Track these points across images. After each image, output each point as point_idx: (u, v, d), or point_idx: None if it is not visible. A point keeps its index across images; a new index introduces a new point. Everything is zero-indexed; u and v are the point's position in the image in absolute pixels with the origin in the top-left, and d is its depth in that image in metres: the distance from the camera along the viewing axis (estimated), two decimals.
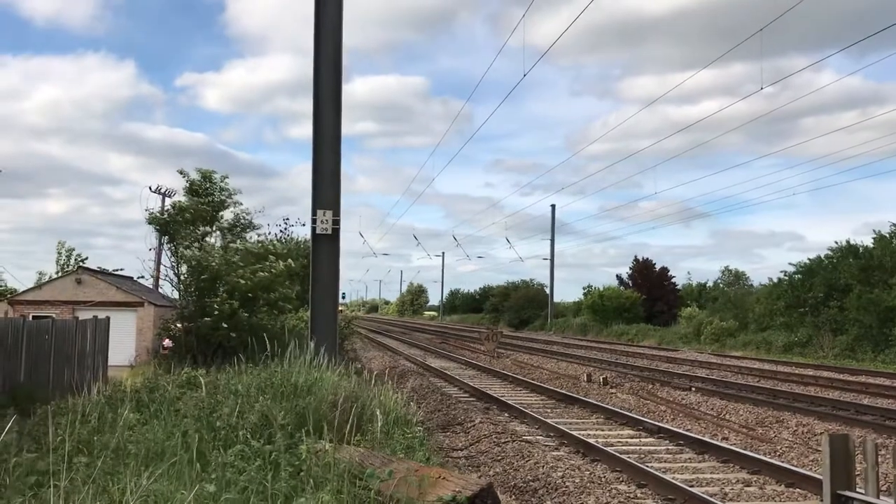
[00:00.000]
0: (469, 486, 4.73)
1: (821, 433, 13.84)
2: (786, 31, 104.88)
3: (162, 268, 18.04)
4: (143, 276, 30.06)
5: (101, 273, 32.74)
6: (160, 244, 25.63)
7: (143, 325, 29.83)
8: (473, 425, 14.99)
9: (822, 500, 9.03)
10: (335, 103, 13.60)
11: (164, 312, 29.31)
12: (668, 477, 10.00)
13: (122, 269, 33.01)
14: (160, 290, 30.45)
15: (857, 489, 3.82)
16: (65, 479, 3.70)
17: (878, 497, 3.62)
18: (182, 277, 16.02)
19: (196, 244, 15.81)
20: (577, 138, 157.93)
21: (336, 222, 13.45)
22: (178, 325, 16.54)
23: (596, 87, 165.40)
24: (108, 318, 20.97)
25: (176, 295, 17.39)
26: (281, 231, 23.73)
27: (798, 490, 9.64)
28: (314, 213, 13.42)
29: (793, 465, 10.94)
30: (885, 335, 34.81)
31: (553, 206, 74.24)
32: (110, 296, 29.97)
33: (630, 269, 69.44)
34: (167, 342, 21.70)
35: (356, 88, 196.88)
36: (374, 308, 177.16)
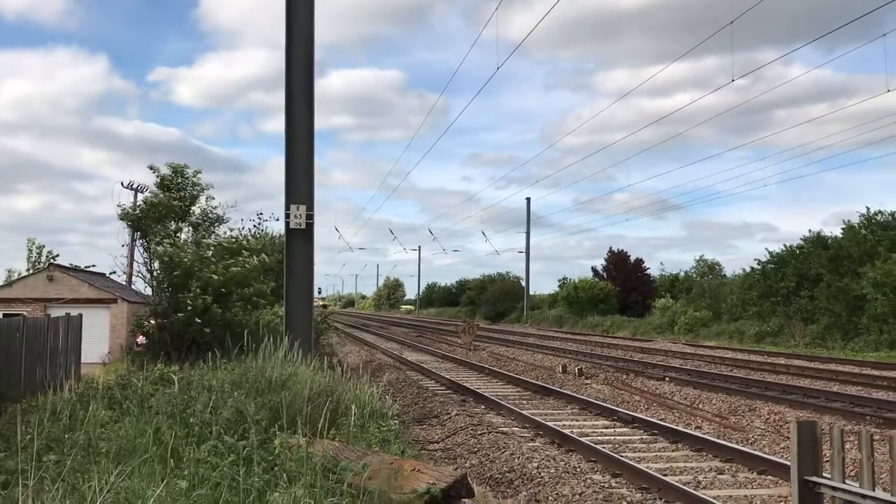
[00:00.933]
0: (443, 478, 4.75)
1: (792, 421, 14.05)
2: (756, 24, 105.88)
3: (135, 264, 17.86)
4: (115, 273, 29.73)
5: (73, 270, 32.32)
6: (132, 240, 25.36)
7: (117, 321, 29.53)
8: (450, 417, 15.04)
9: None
10: (307, 97, 13.52)
11: (137, 309, 29.04)
12: (642, 466, 10.11)
13: (94, 266, 32.61)
14: (133, 286, 30.15)
15: (824, 474, 3.89)
16: (33, 478, 3.66)
17: (843, 482, 3.69)
18: (155, 273, 15.88)
19: (168, 240, 15.67)
20: (552, 131, 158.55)
21: (310, 217, 13.39)
22: (152, 322, 16.42)
23: (570, 80, 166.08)
24: (80, 316, 20.71)
25: (149, 291, 17.23)
26: (255, 226, 23.61)
27: (770, 477, 9.78)
28: (287, 208, 13.35)
29: (764, 453, 11.11)
30: (854, 324, 35.39)
31: (528, 199, 74.56)
32: (83, 293, 29.63)
33: (605, 260, 69.93)
34: (141, 339, 21.49)
35: (332, 82, 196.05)
36: (350, 303, 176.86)
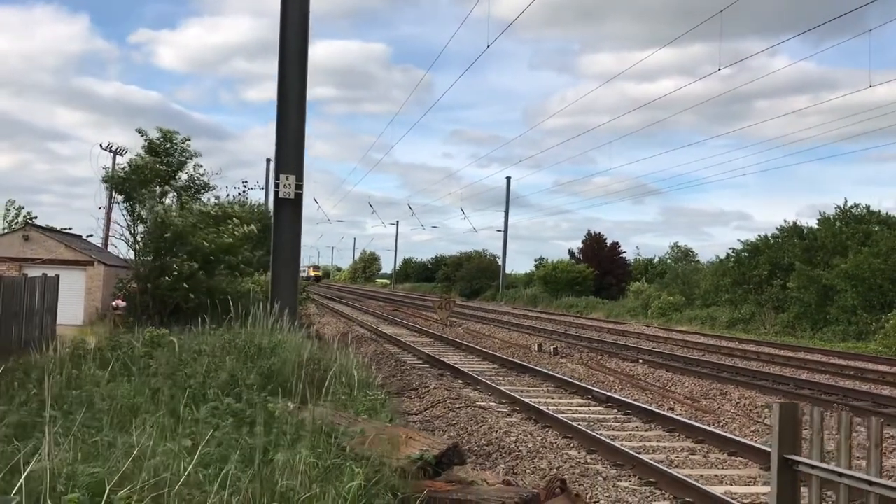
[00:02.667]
0: (436, 446, 4.92)
1: (762, 406, 14.43)
2: (745, 13, 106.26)
3: (116, 227, 17.81)
4: (91, 235, 29.50)
5: (50, 231, 32.02)
6: (110, 203, 25.12)
7: (93, 284, 29.36)
8: (428, 391, 15.25)
9: (761, 468, 9.53)
10: (301, 66, 13.49)
11: (114, 272, 28.88)
12: (617, 444, 10.37)
13: (70, 228, 32.32)
14: (114, 248, 29.93)
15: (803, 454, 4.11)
16: (49, 431, 3.77)
17: (821, 461, 3.90)
18: (139, 237, 15.85)
19: (156, 203, 15.62)
20: (535, 112, 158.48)
21: (299, 187, 13.42)
22: (133, 285, 16.37)
23: (555, 61, 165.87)
24: (57, 277, 20.60)
25: (131, 255, 17.18)
26: (239, 193, 23.47)
27: (739, 458, 10.09)
28: (277, 178, 13.37)
29: (735, 435, 11.43)
30: (824, 314, 36.08)
31: (508, 179, 74.71)
32: (59, 254, 29.38)
33: (582, 242, 70.49)
34: (119, 302, 21.42)
35: (315, 52, 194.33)
36: (326, 274, 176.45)
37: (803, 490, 4.18)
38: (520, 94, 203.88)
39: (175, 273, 14.44)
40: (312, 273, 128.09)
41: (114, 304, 22.94)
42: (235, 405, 5.58)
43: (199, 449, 3.96)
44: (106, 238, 32.24)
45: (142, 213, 15.72)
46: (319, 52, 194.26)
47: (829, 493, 4.15)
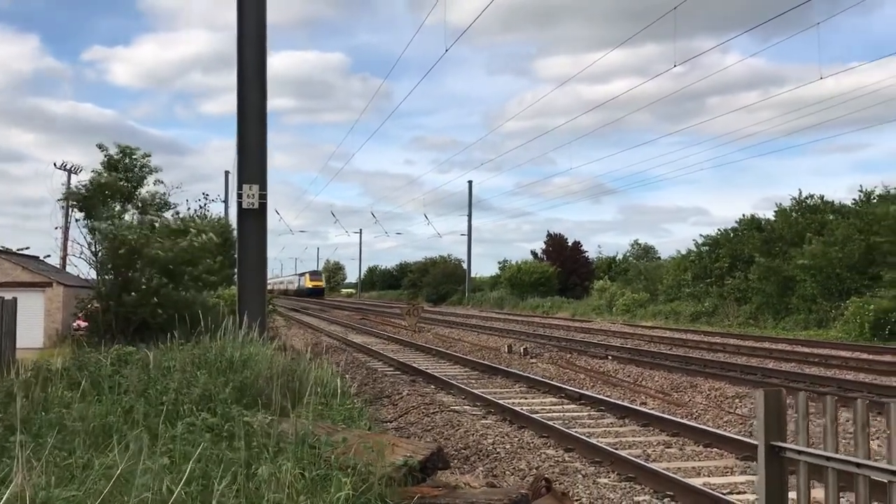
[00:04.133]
0: (420, 451, 4.86)
1: (732, 396, 14.60)
2: (696, 12, 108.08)
3: (76, 246, 17.40)
4: (49, 256, 28.81)
5: (5, 253, 31.22)
6: (67, 221, 24.58)
7: (52, 305, 28.67)
8: (401, 397, 15.16)
9: (737, 458, 9.61)
10: (260, 76, 13.34)
11: (74, 292, 28.24)
12: (593, 441, 10.38)
13: (27, 249, 31.57)
14: (74, 266, 29.24)
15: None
16: (20, 456, 3.62)
17: (807, 446, 3.92)
18: (99, 255, 15.46)
19: (110, 220, 15.29)
20: (494, 115, 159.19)
21: (263, 196, 13.25)
22: (96, 304, 16.01)
23: (512, 65, 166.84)
24: (15, 300, 20.08)
25: (92, 274, 16.80)
26: (200, 207, 23.12)
27: (715, 450, 10.17)
28: (240, 188, 13.19)
29: (709, 427, 11.52)
30: (785, 303, 36.73)
31: (470, 183, 74.98)
32: (15, 276, 28.62)
33: (544, 243, 70.95)
34: (80, 322, 20.93)
35: (273, 63, 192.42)
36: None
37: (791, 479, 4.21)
38: (478, 99, 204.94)
39: (143, 288, 14.15)
40: (310, 284, 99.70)
41: (75, 325, 22.42)
42: (211, 419, 5.45)
43: (180, 467, 3.85)
44: (64, 258, 31.57)
45: (99, 230, 15.39)
46: (276, 63, 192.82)
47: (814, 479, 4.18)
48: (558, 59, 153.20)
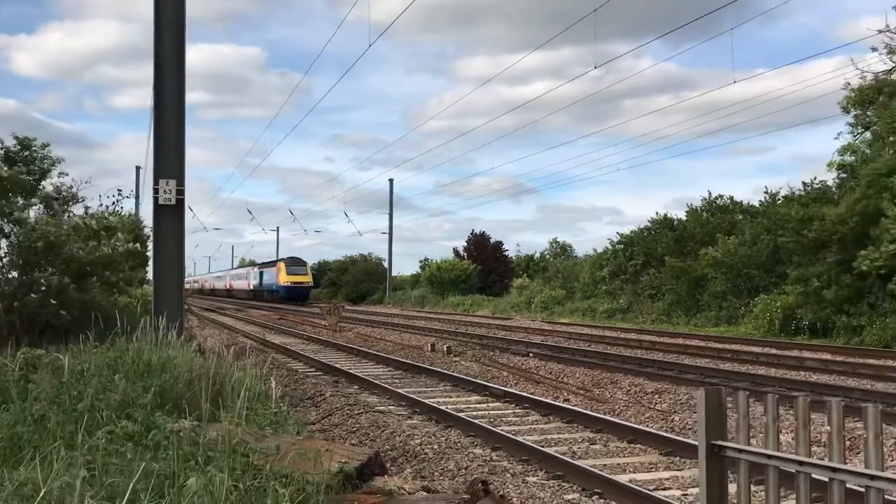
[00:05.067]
0: (356, 456, 4.70)
1: (652, 392, 14.90)
2: (612, 16, 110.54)
3: None
4: None
5: None
6: None
7: None
8: (324, 399, 14.89)
9: (660, 454, 9.78)
10: (178, 63, 12.79)
11: None
12: (519, 439, 10.39)
13: None
14: None
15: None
16: None
17: (748, 444, 3.94)
18: (2, 252, 14.58)
19: (21, 214, 14.40)
20: (415, 114, 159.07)
21: (181, 192, 12.74)
22: None
23: (431, 65, 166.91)
24: None
25: None
26: (113, 203, 22.09)
27: (639, 445, 10.33)
28: (156, 183, 12.64)
29: (632, 423, 11.70)
30: (696, 301, 37.94)
31: (391, 181, 74.68)
32: None
33: (466, 242, 71.40)
34: None
35: (188, 56, 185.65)
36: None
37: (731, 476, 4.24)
38: (398, 97, 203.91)
39: (43, 289, 13.39)
40: (287, 280, 72.07)
41: None
42: (132, 427, 5.15)
43: (101, 480, 3.58)
44: None
45: (3, 226, 14.51)
46: (192, 56, 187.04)
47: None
48: (478, 59, 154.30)
